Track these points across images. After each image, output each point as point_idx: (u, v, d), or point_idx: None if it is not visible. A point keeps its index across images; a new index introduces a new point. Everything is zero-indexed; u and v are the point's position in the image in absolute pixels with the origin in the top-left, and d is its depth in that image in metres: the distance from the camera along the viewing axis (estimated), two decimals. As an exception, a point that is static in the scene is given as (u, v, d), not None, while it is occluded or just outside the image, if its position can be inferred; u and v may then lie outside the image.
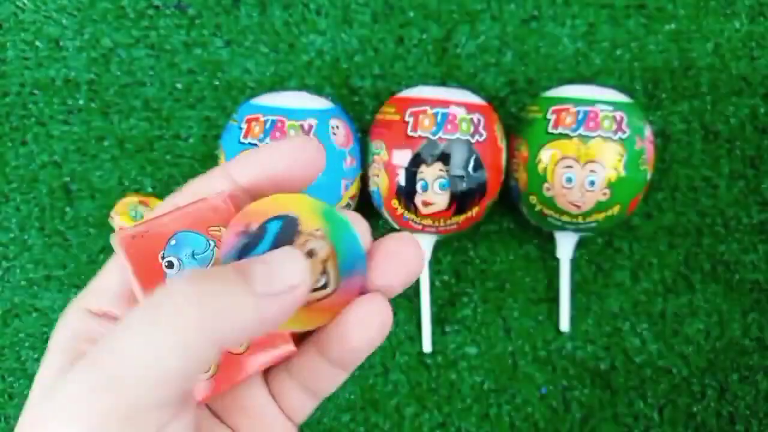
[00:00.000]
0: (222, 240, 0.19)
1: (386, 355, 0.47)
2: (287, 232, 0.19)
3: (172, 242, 0.20)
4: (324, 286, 0.19)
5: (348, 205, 0.42)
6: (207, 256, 0.20)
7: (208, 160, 0.46)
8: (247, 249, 0.19)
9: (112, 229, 0.45)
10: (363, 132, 0.45)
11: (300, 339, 0.21)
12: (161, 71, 0.46)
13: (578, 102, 0.40)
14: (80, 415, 0.16)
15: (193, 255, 0.20)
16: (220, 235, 0.20)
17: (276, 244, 0.19)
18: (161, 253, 0.19)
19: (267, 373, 0.22)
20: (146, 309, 0.16)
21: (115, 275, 0.20)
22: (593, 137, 0.39)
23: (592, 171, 0.39)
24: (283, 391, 0.21)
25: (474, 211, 0.41)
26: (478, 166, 0.40)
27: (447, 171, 0.39)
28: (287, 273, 0.17)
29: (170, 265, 0.19)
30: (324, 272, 0.19)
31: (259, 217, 0.19)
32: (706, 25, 0.47)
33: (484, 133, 0.40)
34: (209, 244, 0.20)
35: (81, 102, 0.46)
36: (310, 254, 0.19)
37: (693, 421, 0.46)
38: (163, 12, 0.46)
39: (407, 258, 0.20)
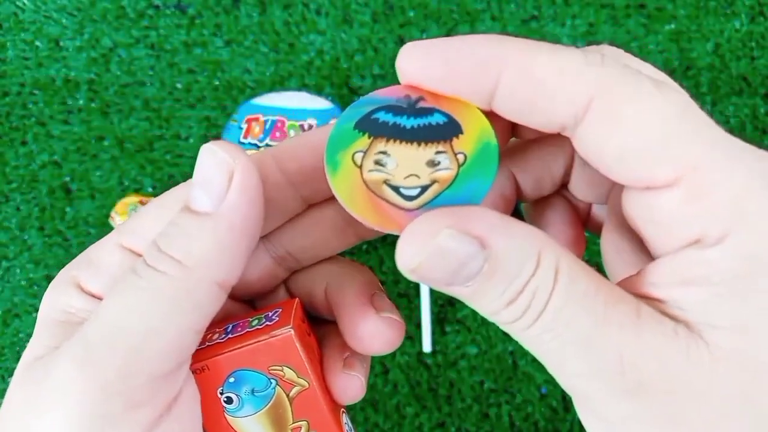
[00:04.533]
0: (384, 90, 0.17)
1: (386, 355, 0.47)
2: (443, 130, 0.17)
3: (231, 380, 0.19)
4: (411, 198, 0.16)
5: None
6: (268, 394, 0.19)
7: (208, 160, 0.46)
8: (384, 112, 0.17)
9: (112, 229, 0.45)
10: (363, 132, 0.45)
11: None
12: (161, 71, 0.46)
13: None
14: (71, 396, 0.15)
15: (253, 392, 0.19)
16: (282, 374, 0.19)
17: (420, 130, 0.17)
18: (219, 389, 0.19)
19: None
20: (128, 278, 0.16)
21: (109, 253, 0.18)
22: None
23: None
24: None
25: (474, 211, 0.41)
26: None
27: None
28: (212, 174, 0.16)
29: (229, 400, 0.19)
30: (423, 188, 0.16)
31: (422, 96, 0.17)
32: (706, 25, 0.47)
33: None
34: (270, 383, 0.19)
35: (81, 102, 0.46)
36: (433, 164, 0.17)
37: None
38: (163, 12, 0.46)
39: (381, 345, 0.20)
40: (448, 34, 0.46)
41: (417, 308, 0.46)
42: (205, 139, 0.46)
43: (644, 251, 0.17)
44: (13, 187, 0.46)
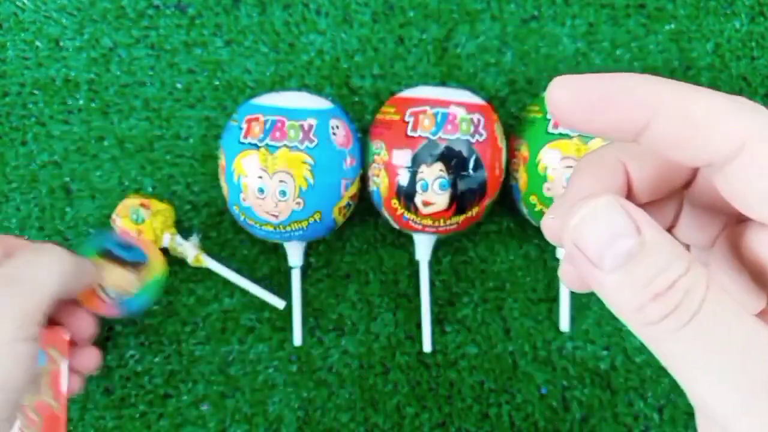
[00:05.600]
0: (119, 232, 0.38)
1: (386, 355, 0.47)
2: (140, 261, 0.39)
3: None
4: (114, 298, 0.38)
5: (348, 205, 0.42)
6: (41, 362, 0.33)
7: (208, 160, 0.46)
8: (115, 244, 0.39)
9: (112, 229, 0.45)
10: (363, 132, 0.45)
11: None
12: (161, 71, 0.46)
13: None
14: None
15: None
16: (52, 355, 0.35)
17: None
18: None
19: None
20: None
21: None
22: (593, 137, 0.39)
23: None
24: None
25: (474, 211, 0.41)
26: (478, 166, 0.40)
27: (447, 171, 0.39)
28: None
29: None
30: (120, 294, 0.38)
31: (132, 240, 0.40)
32: (706, 25, 0.47)
33: (484, 133, 0.40)
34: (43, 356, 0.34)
35: (81, 102, 0.46)
36: (132, 282, 0.38)
37: (693, 421, 0.46)
38: (163, 12, 0.46)
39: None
40: (448, 35, 0.46)
41: (417, 308, 0.46)
42: (205, 139, 0.46)
43: (759, 292, 0.17)
44: (13, 187, 0.46)
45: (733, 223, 0.19)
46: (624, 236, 0.15)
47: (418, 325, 0.46)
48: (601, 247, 0.15)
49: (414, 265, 0.46)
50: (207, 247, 0.46)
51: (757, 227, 0.17)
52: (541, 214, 0.42)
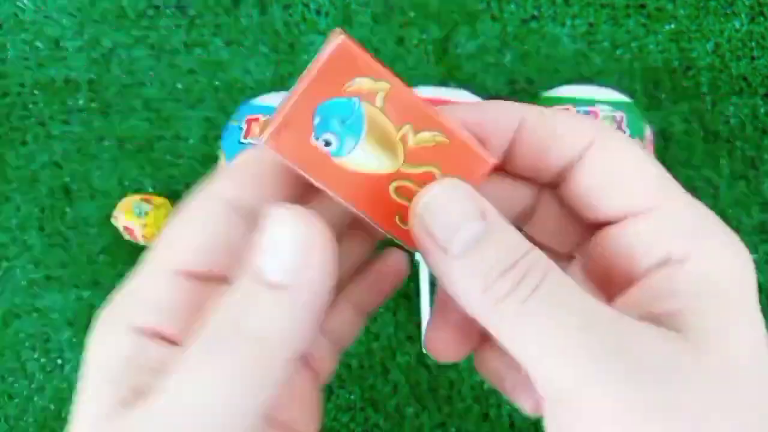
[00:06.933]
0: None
1: (386, 355, 0.47)
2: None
3: (317, 120, 0.18)
4: None
5: (348, 205, 0.42)
6: (358, 118, 0.18)
7: (208, 161, 0.46)
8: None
9: (112, 229, 0.45)
10: (363, 132, 0.45)
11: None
12: (161, 71, 0.46)
13: (578, 102, 0.40)
14: None
15: (343, 122, 0.18)
16: (359, 89, 0.18)
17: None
18: (311, 137, 0.18)
19: None
20: (203, 341, 0.15)
21: (161, 284, 0.17)
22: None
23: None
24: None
25: (474, 211, 0.41)
26: (478, 166, 0.40)
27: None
28: (287, 246, 0.16)
29: (328, 143, 0.18)
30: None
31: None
32: (706, 25, 0.47)
33: (484, 133, 0.40)
34: (353, 104, 0.18)
35: (81, 102, 0.46)
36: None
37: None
38: (163, 12, 0.46)
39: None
40: (448, 35, 0.46)
41: (417, 308, 0.46)
42: (205, 140, 0.46)
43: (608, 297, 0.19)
44: (13, 187, 0.46)
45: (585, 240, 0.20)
46: (470, 220, 0.16)
47: (418, 325, 0.46)
48: (449, 230, 0.16)
49: (414, 265, 0.46)
50: (207, 248, 0.46)
51: (604, 235, 0.19)
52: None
